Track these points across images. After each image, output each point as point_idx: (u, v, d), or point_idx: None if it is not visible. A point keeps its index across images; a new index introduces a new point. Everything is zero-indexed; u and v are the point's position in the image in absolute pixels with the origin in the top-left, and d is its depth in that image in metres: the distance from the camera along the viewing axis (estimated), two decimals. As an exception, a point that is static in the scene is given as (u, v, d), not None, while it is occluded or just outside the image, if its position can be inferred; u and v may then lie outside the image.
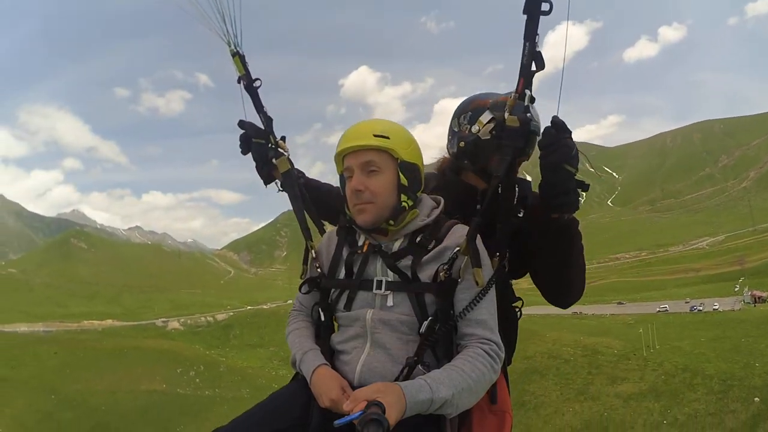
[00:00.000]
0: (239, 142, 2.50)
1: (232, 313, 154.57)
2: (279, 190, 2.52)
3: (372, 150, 1.96)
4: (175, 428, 59.46)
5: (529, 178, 2.37)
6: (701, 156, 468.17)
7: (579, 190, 1.91)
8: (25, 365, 74.20)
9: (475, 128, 2.33)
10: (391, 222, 1.99)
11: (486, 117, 2.30)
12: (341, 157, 2.04)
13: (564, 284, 2.18)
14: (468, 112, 2.40)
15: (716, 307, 79.35)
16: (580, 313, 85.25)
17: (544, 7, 1.76)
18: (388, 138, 1.96)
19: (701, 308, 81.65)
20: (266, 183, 2.53)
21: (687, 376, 43.61)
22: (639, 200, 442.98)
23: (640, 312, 78.12)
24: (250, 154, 2.52)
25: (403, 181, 1.98)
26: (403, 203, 1.99)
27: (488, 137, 2.28)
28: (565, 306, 2.27)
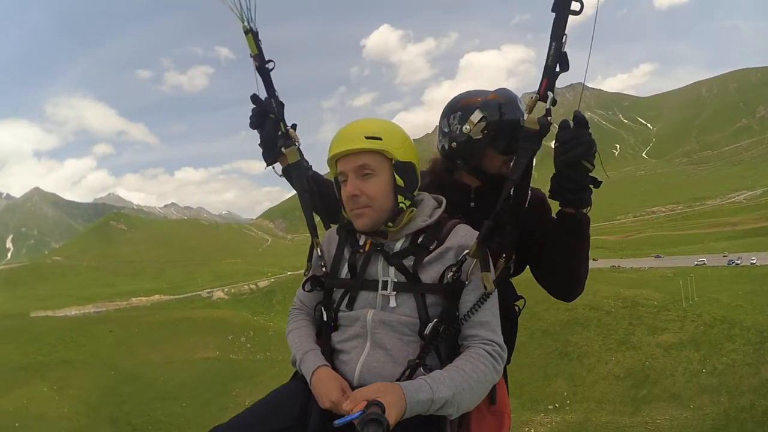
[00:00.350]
0: (251, 115, 2.42)
1: (273, 280, 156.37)
2: (279, 174, 2.50)
3: (365, 153, 1.93)
4: (230, 392, 62.00)
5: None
6: (738, 106, 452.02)
7: (591, 187, 1.95)
8: (84, 346, 75.99)
9: (466, 128, 2.32)
10: (390, 224, 1.99)
11: (476, 116, 2.30)
12: (334, 161, 2.02)
13: (573, 279, 2.19)
14: (457, 111, 2.39)
15: (754, 261, 78.27)
16: (619, 266, 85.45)
17: (575, 6, 1.70)
18: (380, 139, 1.93)
19: (739, 262, 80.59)
20: (268, 164, 2.47)
21: (725, 327, 44.22)
22: (675, 152, 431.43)
23: (677, 265, 77.60)
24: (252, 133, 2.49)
25: (399, 182, 1.96)
26: (401, 204, 1.98)
27: (480, 136, 2.29)
28: (569, 300, 2.29)
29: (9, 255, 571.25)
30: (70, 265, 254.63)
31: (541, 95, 1.80)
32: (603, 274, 72.79)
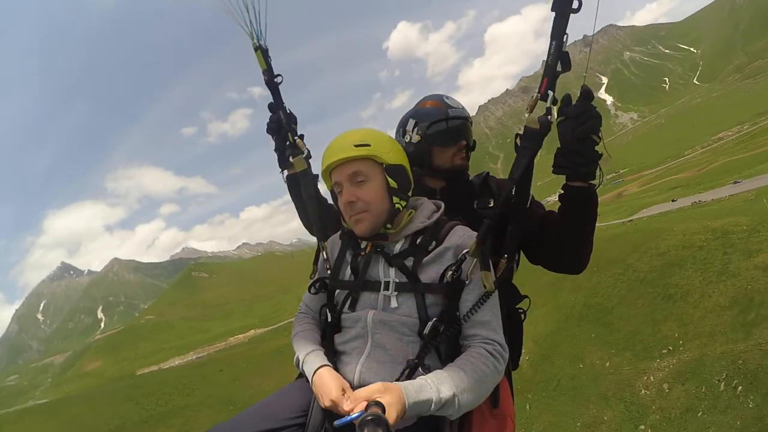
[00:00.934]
0: (271, 122, 2.51)
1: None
2: (284, 180, 2.59)
3: (356, 160, 1.97)
4: (343, 404, 63.54)
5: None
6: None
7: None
8: (198, 389, 76.70)
9: (407, 137, 2.50)
10: (389, 226, 2.02)
11: (410, 124, 2.50)
12: (328, 173, 2.06)
13: (585, 251, 2.10)
14: (401, 128, 2.60)
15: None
16: (700, 201, 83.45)
17: (575, 4, 1.65)
18: (369, 145, 1.97)
19: (819, 168, 76.86)
20: (282, 170, 2.58)
21: (818, 237, 43.11)
22: (725, 70, 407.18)
23: (757, 186, 75.08)
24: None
25: (392, 184, 2.01)
26: (397, 205, 2.02)
27: (419, 139, 2.47)
28: (578, 272, 2.17)
29: (102, 324, 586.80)
30: (164, 320, 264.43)
31: (542, 94, 1.78)
32: (687, 212, 70.83)
